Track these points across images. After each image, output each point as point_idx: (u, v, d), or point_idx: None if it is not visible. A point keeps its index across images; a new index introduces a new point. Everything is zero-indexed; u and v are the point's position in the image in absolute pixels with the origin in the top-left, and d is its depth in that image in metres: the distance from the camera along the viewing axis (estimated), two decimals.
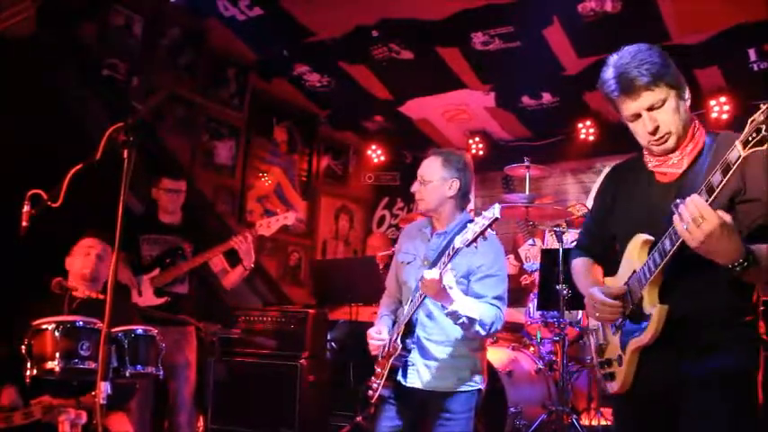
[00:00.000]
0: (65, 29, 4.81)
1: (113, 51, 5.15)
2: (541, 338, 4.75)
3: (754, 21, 4.72)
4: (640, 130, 1.94)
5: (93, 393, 2.11)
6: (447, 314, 2.51)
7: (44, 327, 2.75)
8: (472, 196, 3.13)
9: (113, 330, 2.25)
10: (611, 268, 2.12)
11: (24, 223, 2.49)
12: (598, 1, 4.72)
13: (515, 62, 5.39)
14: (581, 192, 6.79)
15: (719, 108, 5.69)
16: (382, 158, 7.57)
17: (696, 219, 1.67)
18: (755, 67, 5.24)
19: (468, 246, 2.36)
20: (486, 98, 6.36)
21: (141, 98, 5.21)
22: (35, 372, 2.72)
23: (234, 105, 6.22)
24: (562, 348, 4.27)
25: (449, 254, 2.44)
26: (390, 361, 2.69)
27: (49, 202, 2.44)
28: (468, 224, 2.39)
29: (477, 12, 4.95)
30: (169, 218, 4.04)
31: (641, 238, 1.96)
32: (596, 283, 2.13)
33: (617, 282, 2.05)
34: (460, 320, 2.51)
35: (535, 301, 4.77)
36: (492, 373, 3.91)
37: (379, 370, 2.75)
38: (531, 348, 4.75)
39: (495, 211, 2.30)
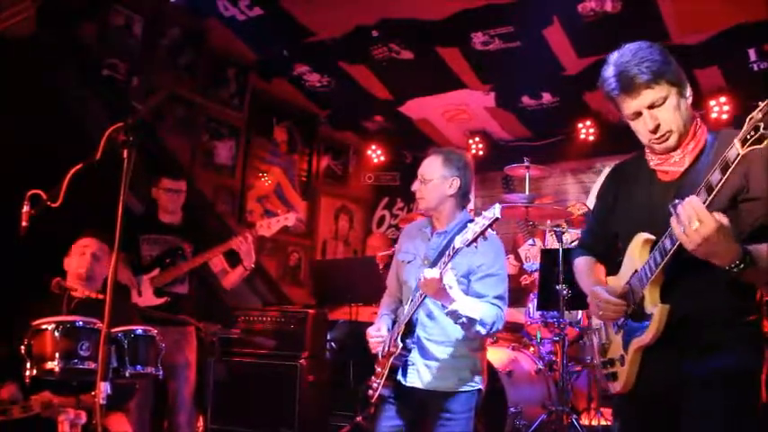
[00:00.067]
0: (65, 29, 4.81)
1: (113, 51, 5.15)
2: (541, 338, 4.76)
3: (754, 21, 4.72)
4: (641, 129, 1.93)
5: (92, 393, 2.10)
6: (447, 314, 2.51)
7: (44, 327, 2.74)
8: (472, 196, 3.13)
9: (113, 330, 2.25)
10: (613, 267, 2.11)
11: (24, 223, 2.49)
12: (598, 1, 4.72)
13: (515, 62, 5.39)
14: (581, 192, 6.79)
15: (719, 108, 5.69)
16: (382, 158, 7.57)
17: (693, 221, 1.66)
18: (755, 67, 5.23)
19: (468, 245, 2.35)
20: (486, 98, 6.36)
21: (141, 98, 5.21)
22: (35, 372, 2.71)
23: (234, 105, 6.22)
24: (562, 348, 4.27)
25: (449, 253, 2.43)
26: (390, 360, 2.68)
27: (49, 202, 2.44)
28: (469, 224, 2.39)
29: (477, 12, 4.95)
30: (169, 218, 4.04)
31: (642, 237, 1.95)
32: (599, 282, 2.13)
33: (619, 281, 2.04)
34: (461, 320, 2.51)
35: (535, 301, 4.76)
36: (492, 373, 3.91)
37: (379, 369, 2.75)
38: (531, 348, 4.75)
39: (495, 210, 2.30)
